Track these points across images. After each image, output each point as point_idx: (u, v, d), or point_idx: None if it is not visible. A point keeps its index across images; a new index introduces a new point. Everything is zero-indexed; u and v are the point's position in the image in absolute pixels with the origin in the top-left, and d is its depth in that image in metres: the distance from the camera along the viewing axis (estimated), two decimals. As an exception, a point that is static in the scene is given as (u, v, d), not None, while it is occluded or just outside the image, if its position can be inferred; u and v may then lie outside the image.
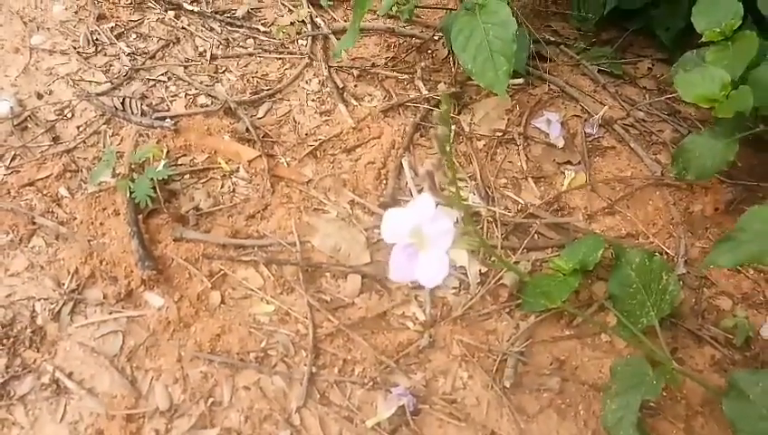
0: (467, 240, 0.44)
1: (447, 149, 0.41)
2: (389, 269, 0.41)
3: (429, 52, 1.00)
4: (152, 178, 0.72)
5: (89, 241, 0.72)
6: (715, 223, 0.81)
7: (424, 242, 0.41)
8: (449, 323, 0.70)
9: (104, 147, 0.82)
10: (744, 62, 0.74)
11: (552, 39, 1.04)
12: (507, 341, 0.69)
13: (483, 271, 0.74)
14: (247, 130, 0.84)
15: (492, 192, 0.82)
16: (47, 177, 0.78)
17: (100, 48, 0.93)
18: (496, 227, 0.77)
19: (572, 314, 0.72)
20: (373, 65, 0.96)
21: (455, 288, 0.72)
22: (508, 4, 0.82)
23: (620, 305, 0.71)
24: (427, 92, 0.92)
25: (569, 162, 0.87)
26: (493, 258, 0.69)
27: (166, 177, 0.74)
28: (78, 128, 0.84)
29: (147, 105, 0.86)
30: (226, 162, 0.82)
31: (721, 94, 0.74)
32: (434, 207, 0.40)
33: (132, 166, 0.76)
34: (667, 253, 0.78)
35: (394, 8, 0.97)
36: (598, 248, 0.74)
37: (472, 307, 0.71)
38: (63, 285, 0.69)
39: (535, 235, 0.78)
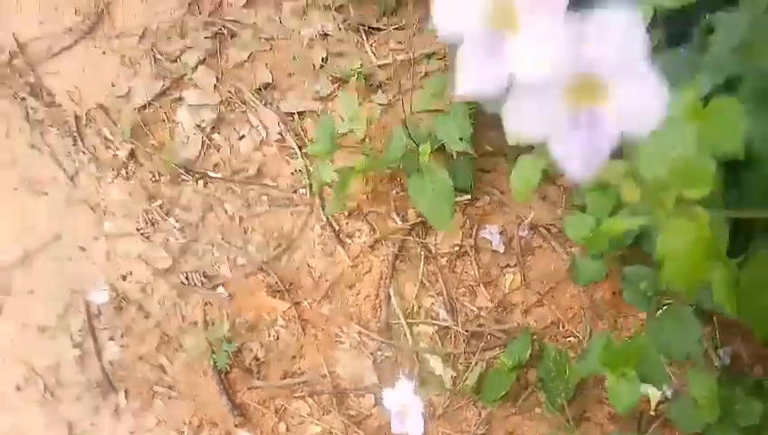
0: None
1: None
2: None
3: (398, 179, 1.33)
4: (226, 350, 1.10)
5: (193, 399, 1.11)
6: (613, 305, 1.17)
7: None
8: (435, 420, 1.09)
9: (182, 318, 1.18)
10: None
11: (491, 151, 1.36)
12: (474, 425, 1.09)
13: (453, 375, 1.12)
14: (276, 283, 1.20)
15: (455, 304, 1.18)
16: (150, 350, 1.16)
17: (156, 226, 1.27)
18: (459, 335, 1.15)
19: (516, 397, 1.11)
20: (358, 205, 1.29)
21: (437, 393, 1.11)
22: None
23: (546, 388, 1.10)
24: (401, 223, 1.26)
25: (509, 265, 1.23)
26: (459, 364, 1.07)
27: (235, 348, 1.12)
28: (159, 302, 1.20)
29: (203, 275, 1.22)
30: (267, 314, 1.18)
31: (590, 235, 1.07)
32: None
33: (209, 340, 1.13)
34: (577, 335, 1.15)
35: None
36: (527, 346, 1.12)
37: (449, 405, 1.10)
38: (183, 433, 1.08)
39: (488, 336, 1.16)
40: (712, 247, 0.46)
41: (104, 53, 1.47)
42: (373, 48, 1.47)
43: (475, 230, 1.22)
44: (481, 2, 0.27)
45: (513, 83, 0.27)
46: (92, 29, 1.50)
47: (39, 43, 1.48)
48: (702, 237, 0.45)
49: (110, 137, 1.34)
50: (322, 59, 1.45)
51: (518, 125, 0.27)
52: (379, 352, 1.13)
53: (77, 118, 1.37)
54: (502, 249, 1.20)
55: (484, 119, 1.15)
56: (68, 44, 1.47)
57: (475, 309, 1.16)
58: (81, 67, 1.44)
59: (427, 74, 1.43)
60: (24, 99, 1.39)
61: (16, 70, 1.44)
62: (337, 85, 1.42)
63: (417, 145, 1.14)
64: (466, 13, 0.27)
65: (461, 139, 1.12)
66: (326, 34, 1.49)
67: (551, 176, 1.29)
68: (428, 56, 1.46)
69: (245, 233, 1.25)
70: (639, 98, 0.25)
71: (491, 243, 1.20)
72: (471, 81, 0.27)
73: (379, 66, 1.44)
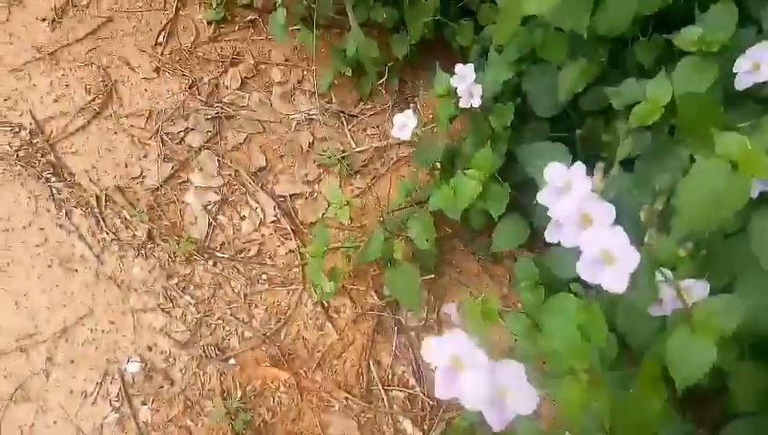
0: None
1: None
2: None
3: (376, 261, 1.62)
4: (242, 419, 1.39)
5: (215, 456, 1.40)
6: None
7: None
8: (407, 469, 1.40)
9: (202, 386, 1.46)
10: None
11: (450, 233, 1.65)
12: (437, 473, 1.40)
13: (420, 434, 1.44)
14: (277, 354, 1.49)
15: (422, 371, 1.49)
16: (176, 414, 1.43)
17: (174, 302, 1.54)
18: (425, 400, 1.46)
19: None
20: (343, 286, 1.58)
21: (408, 447, 1.42)
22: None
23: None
24: (378, 299, 1.56)
25: (465, 338, 1.54)
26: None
27: (249, 417, 1.40)
28: (181, 371, 1.48)
29: (216, 348, 1.49)
30: (271, 382, 1.47)
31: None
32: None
33: (226, 407, 1.42)
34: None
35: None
36: (480, 410, 1.44)
37: (418, 457, 1.41)
38: (207, 482, 1.37)
39: (448, 401, 1.47)
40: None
41: (116, 133, 1.70)
42: (352, 133, 1.74)
43: (437, 306, 1.52)
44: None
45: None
46: (103, 108, 1.72)
47: (55, 123, 1.70)
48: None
49: (128, 218, 1.58)
50: (309, 143, 1.71)
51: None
52: (362, 414, 1.43)
53: (97, 198, 1.60)
54: (459, 322, 1.50)
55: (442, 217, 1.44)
56: (82, 124, 1.70)
57: (438, 377, 1.46)
58: (96, 147, 1.67)
59: (398, 160, 1.71)
60: (48, 179, 1.62)
61: (37, 149, 1.66)
62: (322, 170, 1.68)
63: (392, 236, 1.43)
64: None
65: (427, 240, 1.41)
66: (311, 118, 1.75)
67: (499, 258, 1.60)
68: (399, 144, 1.74)
69: (250, 308, 1.52)
70: None
71: (450, 317, 1.50)
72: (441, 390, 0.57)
73: (358, 151, 1.71)
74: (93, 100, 1.75)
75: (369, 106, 1.80)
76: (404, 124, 1.35)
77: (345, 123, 1.77)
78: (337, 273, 1.35)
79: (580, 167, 0.66)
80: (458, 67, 1.33)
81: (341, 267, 1.41)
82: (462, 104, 1.34)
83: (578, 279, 0.68)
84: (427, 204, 1.42)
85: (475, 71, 1.29)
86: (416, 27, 1.62)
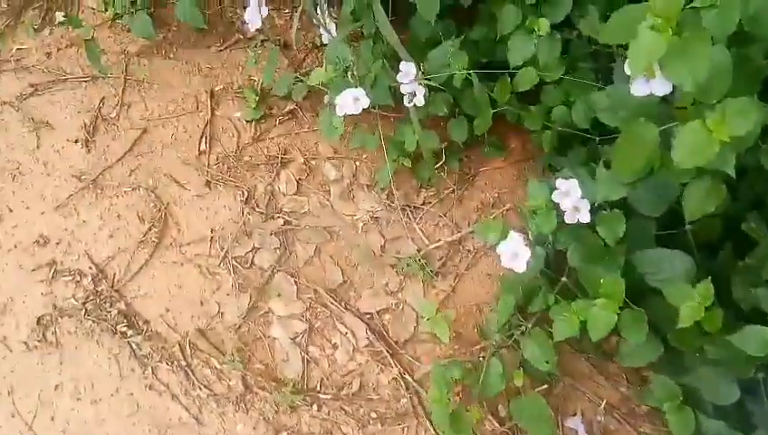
0: None
1: None
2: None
3: None
4: None
5: None
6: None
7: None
8: None
9: None
10: None
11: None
12: None
13: None
14: None
15: None
16: None
17: None
18: None
19: None
20: None
21: None
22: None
23: None
24: (498, 425, 1.51)
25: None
26: None
27: None
28: None
29: None
30: None
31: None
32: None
33: None
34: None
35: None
36: None
37: None
38: None
39: None
40: None
41: (182, 265, 1.62)
42: (421, 227, 1.67)
43: (559, 419, 1.48)
44: None
45: None
46: (161, 237, 1.65)
47: (116, 263, 1.62)
48: None
49: (218, 366, 1.52)
50: (381, 246, 1.65)
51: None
52: None
53: (181, 348, 1.54)
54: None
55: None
56: (144, 260, 1.62)
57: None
58: (166, 286, 1.60)
59: (476, 253, 1.65)
60: (124, 333, 1.55)
61: (104, 298, 1.59)
62: (402, 277, 1.62)
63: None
64: None
65: (547, 362, 1.36)
66: (376, 217, 1.68)
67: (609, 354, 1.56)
68: (472, 233, 1.67)
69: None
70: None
71: (576, 432, 1.47)
72: None
73: (433, 248, 1.64)
74: (150, 229, 1.67)
75: (431, 193, 1.73)
76: (515, 254, 1.28)
77: (412, 217, 1.70)
78: (464, 422, 1.30)
79: None
80: (560, 183, 1.26)
81: (468, 416, 1.35)
82: (568, 220, 1.27)
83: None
84: (537, 314, 1.36)
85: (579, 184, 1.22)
86: (483, 120, 1.54)
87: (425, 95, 1.46)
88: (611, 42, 1.18)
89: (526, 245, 1.24)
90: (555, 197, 1.27)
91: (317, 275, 1.63)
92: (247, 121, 1.83)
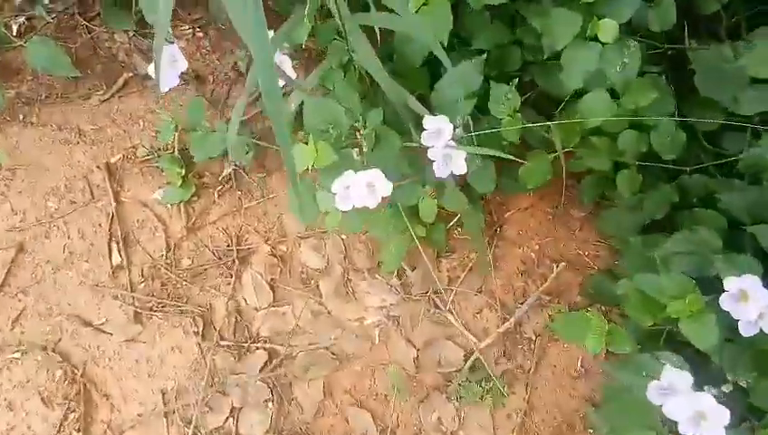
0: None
1: None
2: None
3: None
4: None
5: None
6: None
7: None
8: None
9: None
10: None
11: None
12: None
13: None
14: None
15: None
16: None
17: None
18: None
19: None
20: None
21: None
22: None
23: None
24: None
25: None
26: None
27: None
28: None
29: None
30: None
31: None
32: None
33: None
34: None
35: None
36: None
37: None
38: None
39: None
40: None
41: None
42: (459, 316, 1.19)
43: None
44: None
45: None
46: (86, 426, 1.08)
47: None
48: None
49: None
50: (414, 359, 1.17)
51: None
52: None
53: None
54: None
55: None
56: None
57: None
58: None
59: (541, 338, 1.18)
60: None
61: None
62: (458, 403, 1.14)
63: None
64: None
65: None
66: (393, 316, 1.19)
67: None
68: (529, 312, 1.20)
69: None
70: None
71: None
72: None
73: (486, 346, 1.17)
74: (65, 417, 1.11)
75: (454, 262, 1.22)
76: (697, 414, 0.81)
77: (440, 304, 1.20)
78: None
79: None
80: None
81: None
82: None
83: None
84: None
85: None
86: (539, 170, 1.04)
87: (466, 159, 0.93)
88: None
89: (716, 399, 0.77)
90: (726, 302, 0.80)
91: (338, 428, 1.09)
92: (172, 205, 1.22)
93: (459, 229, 1.23)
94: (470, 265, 1.23)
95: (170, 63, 1.00)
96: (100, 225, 1.22)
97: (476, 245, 1.15)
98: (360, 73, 1.00)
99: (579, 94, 0.98)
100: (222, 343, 1.15)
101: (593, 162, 1.06)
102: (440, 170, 0.96)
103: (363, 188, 0.92)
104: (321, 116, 0.94)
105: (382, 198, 0.90)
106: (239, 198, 1.26)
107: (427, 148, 0.93)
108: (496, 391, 1.13)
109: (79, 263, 1.20)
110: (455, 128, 0.93)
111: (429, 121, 0.93)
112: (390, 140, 0.99)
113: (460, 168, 0.96)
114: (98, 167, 1.26)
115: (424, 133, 0.94)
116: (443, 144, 0.93)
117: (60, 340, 1.14)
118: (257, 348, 1.15)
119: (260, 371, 1.13)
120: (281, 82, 0.95)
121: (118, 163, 1.27)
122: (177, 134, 1.17)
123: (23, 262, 1.19)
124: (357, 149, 0.91)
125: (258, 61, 0.60)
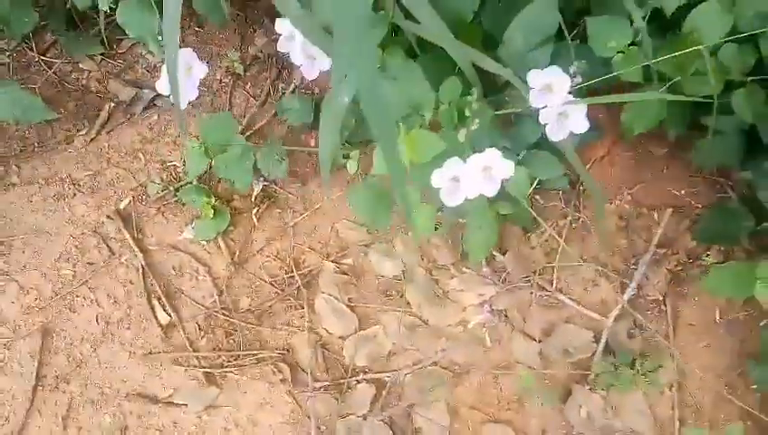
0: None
1: None
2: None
3: None
4: None
5: None
6: None
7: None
8: None
9: None
10: None
11: None
12: None
13: None
14: None
15: None
16: None
17: None
18: None
19: None
20: None
21: None
22: None
23: None
24: None
25: None
26: None
27: None
28: None
29: None
30: None
31: None
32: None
33: None
34: None
35: None
36: None
37: None
38: None
39: None
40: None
41: None
42: (570, 295, 1.04)
43: None
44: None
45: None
46: None
47: None
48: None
49: None
50: (538, 354, 1.01)
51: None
52: None
53: None
54: None
55: None
56: None
57: None
58: None
59: (665, 297, 1.04)
60: None
61: None
62: (606, 393, 0.99)
63: None
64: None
65: None
66: (498, 310, 1.04)
67: None
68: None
69: None
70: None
71: None
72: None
73: (613, 322, 1.02)
74: None
75: (544, 237, 1.07)
76: None
77: (545, 285, 1.05)
78: None
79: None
80: None
81: None
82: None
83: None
84: None
85: None
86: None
87: (587, 114, 0.76)
88: None
89: None
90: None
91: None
92: (208, 241, 1.02)
93: (537, 197, 1.06)
94: (563, 231, 1.05)
95: (185, 73, 0.78)
96: (131, 282, 1.02)
97: (597, 211, 0.98)
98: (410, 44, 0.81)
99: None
100: (317, 385, 0.96)
101: (699, 88, 0.89)
102: (555, 133, 0.78)
103: (479, 174, 0.73)
104: (403, 97, 0.74)
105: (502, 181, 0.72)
106: (281, 216, 1.06)
107: (518, 111, 0.74)
108: (642, 368, 0.96)
109: (120, 332, 0.99)
110: (572, 77, 0.74)
111: (537, 77, 0.76)
112: (482, 111, 0.80)
113: (580, 125, 0.78)
114: (107, 217, 1.05)
115: (531, 92, 0.75)
116: (559, 100, 0.75)
117: (126, 427, 0.94)
118: (358, 382, 0.97)
119: (370, 406, 0.95)
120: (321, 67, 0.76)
121: (129, 208, 1.06)
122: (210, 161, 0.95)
123: (53, 346, 0.99)
124: (464, 130, 0.72)
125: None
